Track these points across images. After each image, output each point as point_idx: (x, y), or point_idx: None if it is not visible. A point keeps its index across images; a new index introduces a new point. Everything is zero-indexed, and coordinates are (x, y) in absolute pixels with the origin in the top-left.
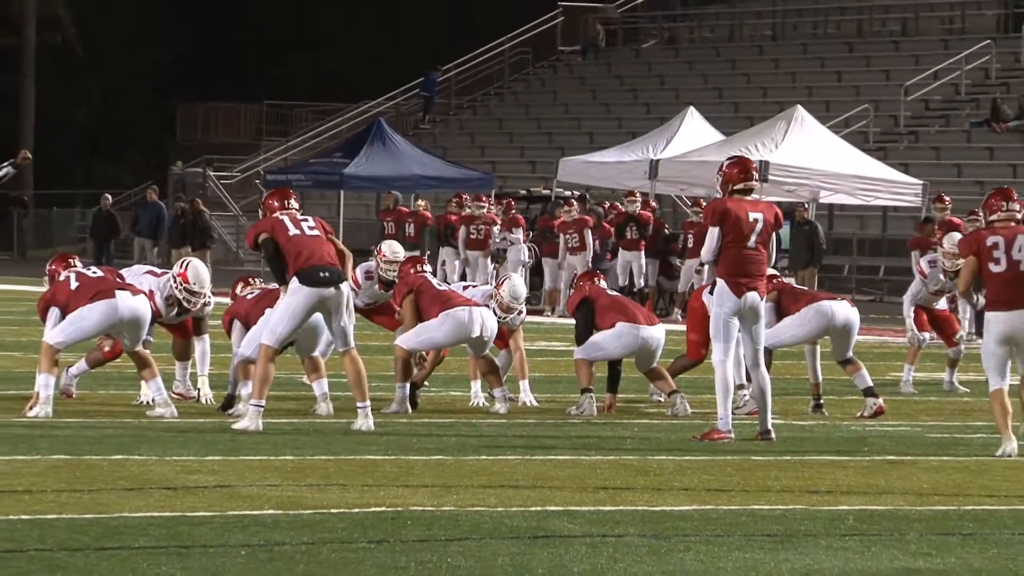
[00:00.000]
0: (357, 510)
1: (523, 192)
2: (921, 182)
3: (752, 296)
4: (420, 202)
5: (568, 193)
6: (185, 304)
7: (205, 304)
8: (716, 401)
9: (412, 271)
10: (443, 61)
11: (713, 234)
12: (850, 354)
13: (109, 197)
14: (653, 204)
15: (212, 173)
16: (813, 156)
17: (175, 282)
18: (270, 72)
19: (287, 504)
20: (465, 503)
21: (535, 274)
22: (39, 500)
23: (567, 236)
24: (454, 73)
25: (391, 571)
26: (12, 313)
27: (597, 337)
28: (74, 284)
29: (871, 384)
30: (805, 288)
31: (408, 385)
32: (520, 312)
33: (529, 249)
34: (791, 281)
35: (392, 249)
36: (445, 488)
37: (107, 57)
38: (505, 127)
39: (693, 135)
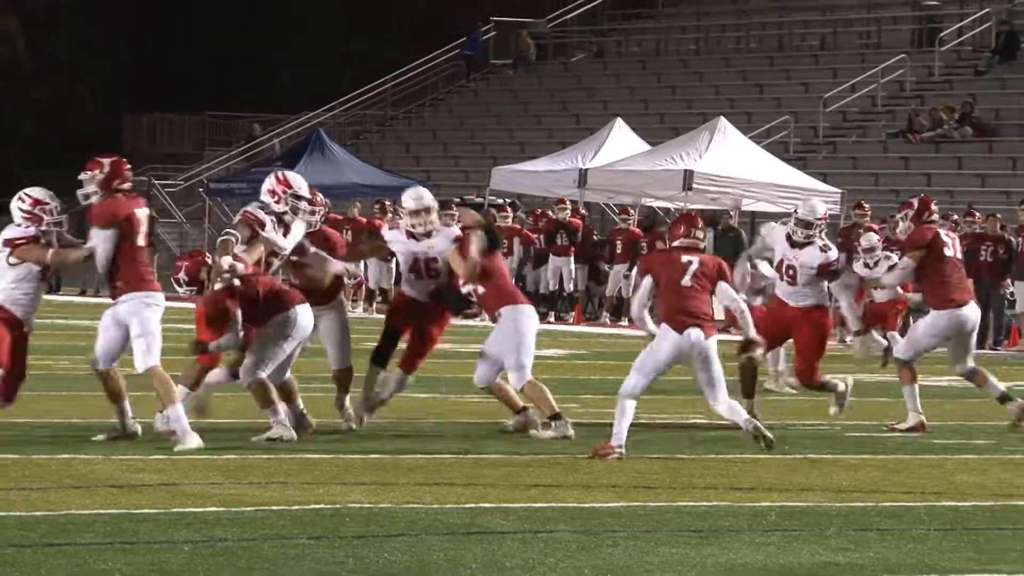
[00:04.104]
0: (297, 507)
1: (456, 200)
2: (839, 191)
3: (695, 334)
4: (355, 208)
5: (501, 201)
6: (290, 214)
7: (305, 213)
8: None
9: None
10: (380, 74)
11: (643, 284)
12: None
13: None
14: (582, 211)
15: (156, 182)
16: (736, 165)
17: (275, 196)
18: (212, 84)
19: (229, 501)
20: (401, 500)
21: None
22: None
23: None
24: (390, 85)
25: (330, 566)
26: None
27: (526, 341)
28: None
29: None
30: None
31: (276, 410)
32: (431, 212)
33: None
34: None
35: (416, 194)
36: (382, 486)
37: (54, 68)
38: (439, 137)
39: (620, 145)
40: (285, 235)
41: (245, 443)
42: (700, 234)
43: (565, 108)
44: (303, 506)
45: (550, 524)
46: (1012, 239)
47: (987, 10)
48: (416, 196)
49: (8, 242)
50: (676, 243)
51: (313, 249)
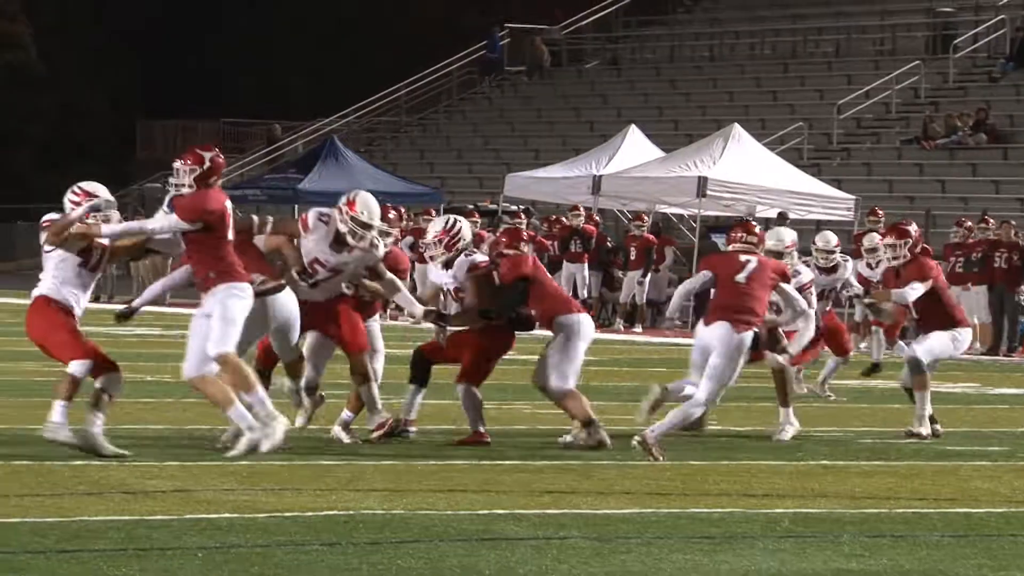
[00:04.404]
0: (310, 514)
1: (470, 207)
2: (853, 197)
3: (720, 329)
4: None
5: (515, 207)
6: (351, 238)
7: (373, 244)
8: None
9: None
10: (394, 80)
11: (697, 276)
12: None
13: None
14: (596, 218)
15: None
16: (749, 172)
17: (341, 214)
18: (227, 91)
19: (242, 508)
20: (415, 506)
21: None
22: (2, 504)
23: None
24: (405, 92)
25: (343, 573)
26: None
27: (568, 355)
28: None
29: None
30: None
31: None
32: (435, 246)
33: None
34: None
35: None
36: (396, 492)
37: (67, 74)
38: (453, 144)
39: (634, 152)
40: (339, 251)
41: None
42: (753, 239)
43: (579, 115)
44: (316, 512)
45: (563, 530)
46: None
47: (1002, 17)
48: (432, 228)
49: (42, 225)
50: (731, 247)
51: (389, 276)
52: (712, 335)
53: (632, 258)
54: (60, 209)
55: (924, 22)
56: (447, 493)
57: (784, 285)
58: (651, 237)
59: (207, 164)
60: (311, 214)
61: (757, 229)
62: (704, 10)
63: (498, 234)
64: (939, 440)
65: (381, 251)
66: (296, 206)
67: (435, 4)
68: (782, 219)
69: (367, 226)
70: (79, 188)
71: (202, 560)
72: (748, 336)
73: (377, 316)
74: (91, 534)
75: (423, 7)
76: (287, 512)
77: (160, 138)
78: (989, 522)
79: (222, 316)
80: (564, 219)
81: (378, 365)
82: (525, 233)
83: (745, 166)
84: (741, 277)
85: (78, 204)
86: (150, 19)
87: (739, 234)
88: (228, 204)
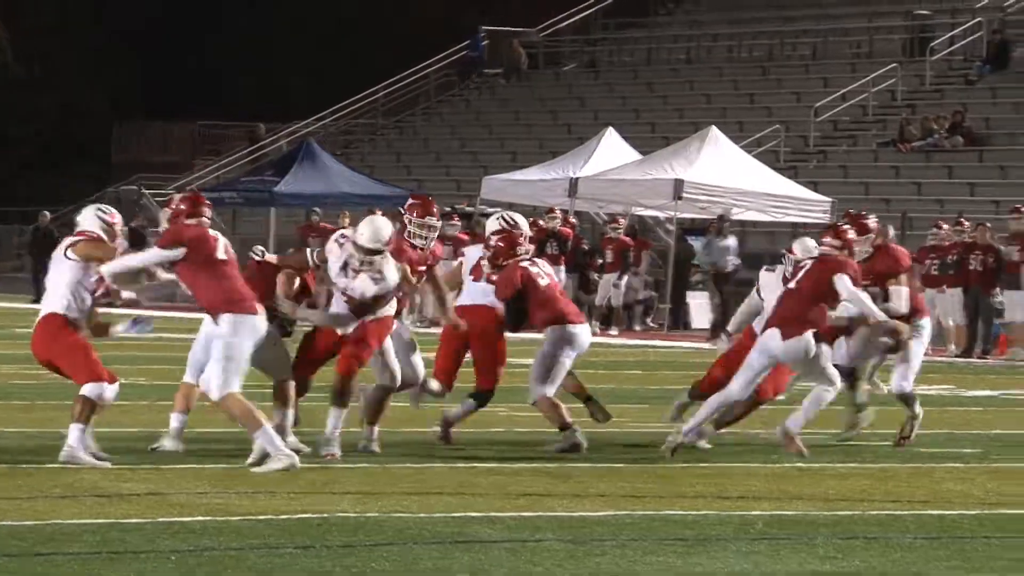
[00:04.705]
0: (284, 517)
1: (447, 209)
2: (829, 200)
3: (770, 340)
4: (346, 219)
5: (491, 210)
6: (359, 266)
7: (380, 272)
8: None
9: None
10: (371, 83)
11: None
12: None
13: (47, 214)
14: (572, 220)
15: (146, 191)
16: (726, 174)
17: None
18: (203, 94)
19: (215, 511)
20: (389, 509)
21: None
22: None
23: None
24: (382, 94)
25: (317, 575)
26: None
27: (551, 363)
28: None
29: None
30: None
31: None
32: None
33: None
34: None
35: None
36: (369, 495)
37: (66, 74)
38: (431, 146)
39: (611, 154)
40: (344, 274)
41: (231, 453)
42: (838, 243)
43: (556, 117)
44: (290, 515)
45: (538, 533)
46: (1001, 248)
47: (978, 19)
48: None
49: (80, 232)
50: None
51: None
52: (767, 344)
53: (608, 260)
54: (53, 212)
55: (901, 25)
56: (421, 496)
57: (839, 279)
58: (627, 239)
59: (174, 204)
60: (334, 235)
61: (850, 234)
62: (683, 12)
63: (495, 242)
64: (913, 443)
65: (392, 279)
66: (272, 209)
67: (435, 4)
68: (722, 220)
69: (367, 251)
70: (106, 209)
71: (175, 563)
72: (803, 338)
73: (404, 313)
74: (65, 537)
75: (423, 7)
76: (260, 515)
77: (137, 140)
78: (962, 524)
79: (224, 355)
80: (540, 221)
81: (409, 367)
82: (521, 237)
83: (722, 168)
84: (792, 284)
85: (111, 225)
86: (150, 19)
87: (826, 237)
88: (216, 234)
